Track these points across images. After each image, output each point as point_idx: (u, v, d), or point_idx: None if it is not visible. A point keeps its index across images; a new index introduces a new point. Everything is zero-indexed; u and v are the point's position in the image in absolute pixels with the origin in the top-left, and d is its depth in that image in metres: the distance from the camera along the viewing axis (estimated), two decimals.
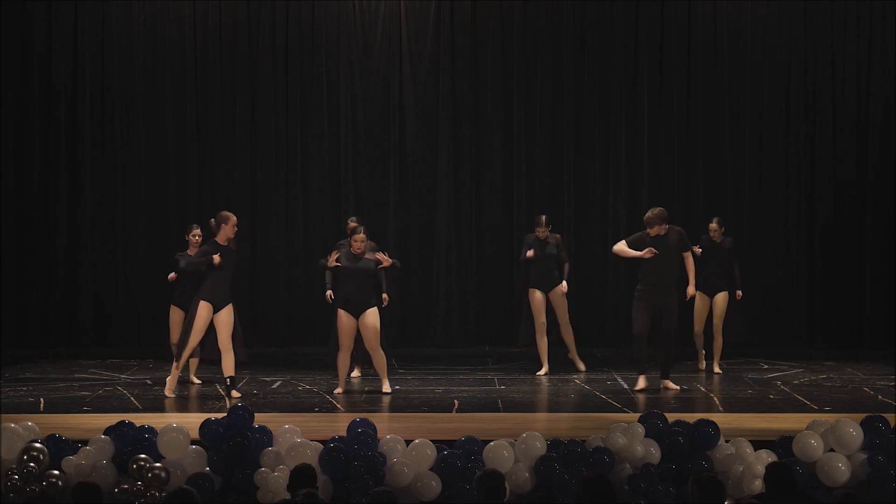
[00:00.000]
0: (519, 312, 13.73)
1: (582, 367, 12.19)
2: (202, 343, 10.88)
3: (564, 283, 12.00)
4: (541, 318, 12.01)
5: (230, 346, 10.74)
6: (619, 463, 7.80)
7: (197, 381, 11.46)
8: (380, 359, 10.87)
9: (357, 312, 10.74)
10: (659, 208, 11.12)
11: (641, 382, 10.99)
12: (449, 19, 13.99)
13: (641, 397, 10.61)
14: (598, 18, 14.03)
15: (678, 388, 11.01)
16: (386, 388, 10.89)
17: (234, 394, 10.67)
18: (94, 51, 13.93)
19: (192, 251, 11.48)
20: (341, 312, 10.78)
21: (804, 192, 14.07)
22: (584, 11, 14.02)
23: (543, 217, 12.04)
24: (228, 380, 10.71)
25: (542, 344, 12.06)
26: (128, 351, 13.35)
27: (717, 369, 12.10)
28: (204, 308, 10.59)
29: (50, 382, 11.53)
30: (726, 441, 8.00)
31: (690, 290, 11.15)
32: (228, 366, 10.72)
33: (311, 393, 10.98)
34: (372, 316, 10.76)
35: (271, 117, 14.00)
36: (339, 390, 10.91)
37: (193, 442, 7.89)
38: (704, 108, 14.02)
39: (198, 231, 11.65)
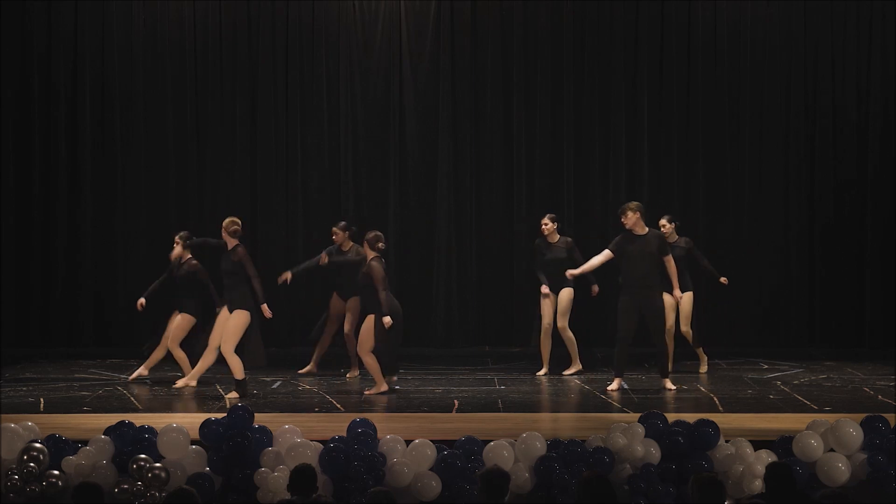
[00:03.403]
0: (520, 313, 13.80)
1: (576, 368, 12.20)
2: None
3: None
4: (547, 319, 12.02)
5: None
6: (619, 463, 7.80)
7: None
8: (370, 363, 10.85)
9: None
10: (635, 202, 11.22)
11: (616, 384, 11.05)
12: (449, 19, 14.00)
13: (634, 398, 10.62)
14: (598, 18, 14.03)
15: (675, 387, 11.04)
16: (381, 388, 10.88)
17: (232, 394, 10.67)
18: (94, 51, 13.93)
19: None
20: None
21: (804, 192, 14.07)
22: (584, 11, 14.02)
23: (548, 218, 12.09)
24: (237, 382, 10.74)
25: (546, 345, 12.08)
26: (128, 351, 13.32)
27: (702, 369, 12.13)
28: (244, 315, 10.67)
29: (50, 382, 11.53)
30: (726, 441, 8.00)
31: (676, 293, 11.28)
32: (238, 369, 10.73)
33: (311, 393, 10.99)
34: (367, 322, 10.80)
35: (271, 117, 14.01)
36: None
37: (193, 442, 7.89)
38: (704, 108, 14.02)
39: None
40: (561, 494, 7.64)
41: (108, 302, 13.94)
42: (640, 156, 14.05)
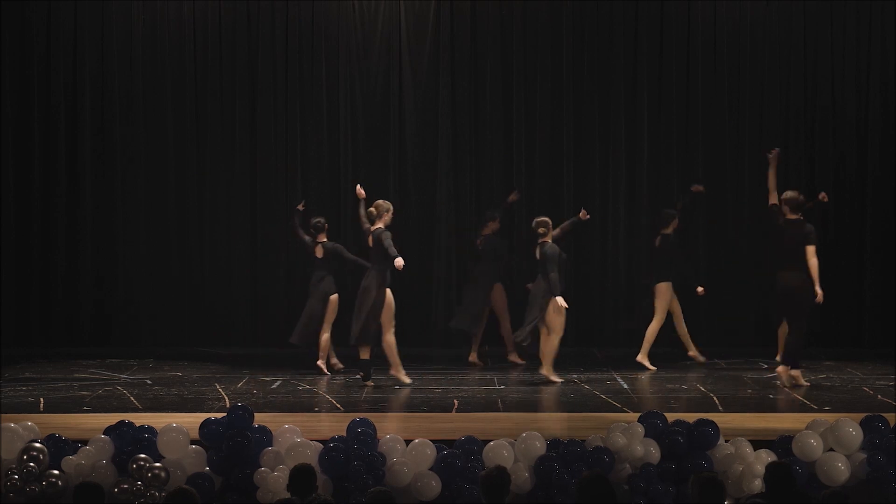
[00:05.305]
0: (520, 313, 13.79)
1: (701, 358, 12.51)
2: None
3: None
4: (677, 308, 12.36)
5: None
6: (618, 463, 7.80)
7: (339, 365, 12.09)
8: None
9: None
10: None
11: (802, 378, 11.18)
12: (449, 19, 13.99)
13: (634, 398, 10.63)
14: (598, 18, 14.02)
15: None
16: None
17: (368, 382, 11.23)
18: (94, 51, 13.92)
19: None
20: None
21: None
22: (584, 11, 14.01)
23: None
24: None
25: (682, 330, 12.46)
26: (128, 351, 13.35)
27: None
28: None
29: (50, 382, 11.52)
30: (726, 441, 8.01)
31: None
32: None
33: (311, 393, 10.99)
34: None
35: (271, 117, 14.00)
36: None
37: (193, 442, 7.90)
38: (704, 108, 14.01)
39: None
40: (561, 494, 7.64)
41: (107, 302, 13.93)
42: (640, 156, 14.04)
